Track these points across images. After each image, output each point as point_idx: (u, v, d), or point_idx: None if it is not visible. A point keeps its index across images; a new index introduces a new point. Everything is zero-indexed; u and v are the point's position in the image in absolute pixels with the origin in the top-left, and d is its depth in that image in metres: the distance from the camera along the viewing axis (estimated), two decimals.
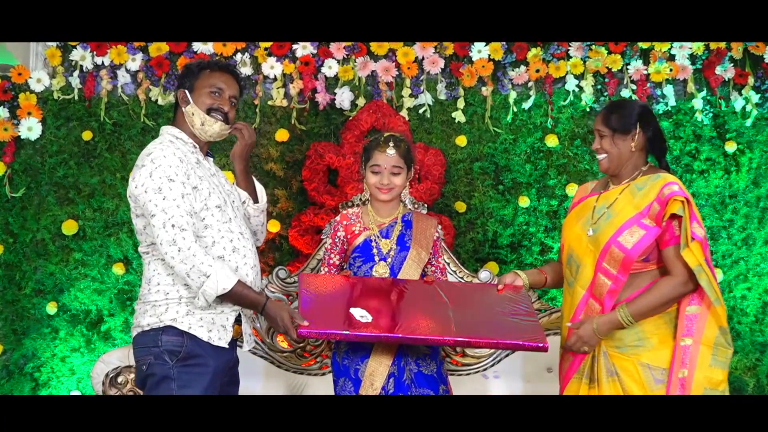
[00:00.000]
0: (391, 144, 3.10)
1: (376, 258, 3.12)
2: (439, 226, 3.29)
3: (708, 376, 2.83)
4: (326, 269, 3.19)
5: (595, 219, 2.94)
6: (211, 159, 3.02)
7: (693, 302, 2.86)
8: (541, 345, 2.85)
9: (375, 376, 2.96)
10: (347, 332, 2.81)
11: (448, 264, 4.02)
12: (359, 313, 2.86)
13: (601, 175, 3.10)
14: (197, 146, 2.93)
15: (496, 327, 2.91)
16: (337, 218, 3.22)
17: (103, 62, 4.43)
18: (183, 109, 2.92)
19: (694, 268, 2.79)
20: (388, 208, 3.18)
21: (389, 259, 3.12)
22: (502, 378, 4.09)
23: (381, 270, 3.11)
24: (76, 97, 4.43)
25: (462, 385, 3.92)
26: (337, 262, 3.20)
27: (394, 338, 2.83)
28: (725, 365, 2.86)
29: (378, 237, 3.14)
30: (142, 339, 2.82)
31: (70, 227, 4.40)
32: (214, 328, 2.82)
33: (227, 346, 2.84)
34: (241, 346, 3.00)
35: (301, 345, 4.04)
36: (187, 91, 2.91)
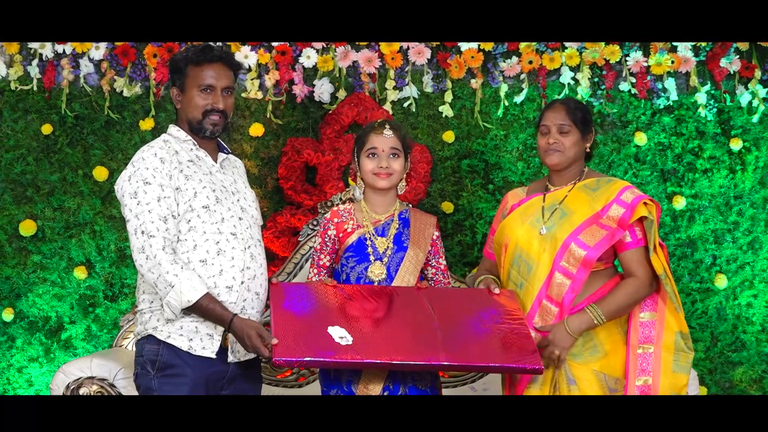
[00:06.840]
0: (387, 126, 3.07)
1: (372, 258, 3.03)
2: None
3: (672, 381, 2.96)
4: (315, 271, 3.09)
5: (547, 217, 3.04)
6: (224, 154, 3.04)
7: (646, 309, 2.99)
8: (537, 368, 2.80)
9: (369, 389, 2.92)
10: (326, 360, 2.73)
11: None
12: (339, 334, 2.77)
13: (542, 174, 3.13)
14: (197, 143, 2.95)
15: (487, 345, 2.84)
16: (327, 215, 3.14)
17: (64, 50, 4.34)
18: (177, 108, 2.98)
19: (660, 274, 2.93)
20: (385, 202, 3.10)
21: (385, 259, 3.03)
22: (491, 390, 4.06)
23: (377, 270, 3.01)
24: (35, 88, 4.37)
25: None
26: (328, 264, 3.11)
27: (378, 365, 2.77)
28: (687, 370, 2.98)
29: (373, 235, 3.06)
30: (136, 348, 2.93)
31: (27, 228, 4.35)
32: (197, 336, 2.83)
33: (213, 356, 2.84)
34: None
35: None
36: (178, 89, 2.94)
